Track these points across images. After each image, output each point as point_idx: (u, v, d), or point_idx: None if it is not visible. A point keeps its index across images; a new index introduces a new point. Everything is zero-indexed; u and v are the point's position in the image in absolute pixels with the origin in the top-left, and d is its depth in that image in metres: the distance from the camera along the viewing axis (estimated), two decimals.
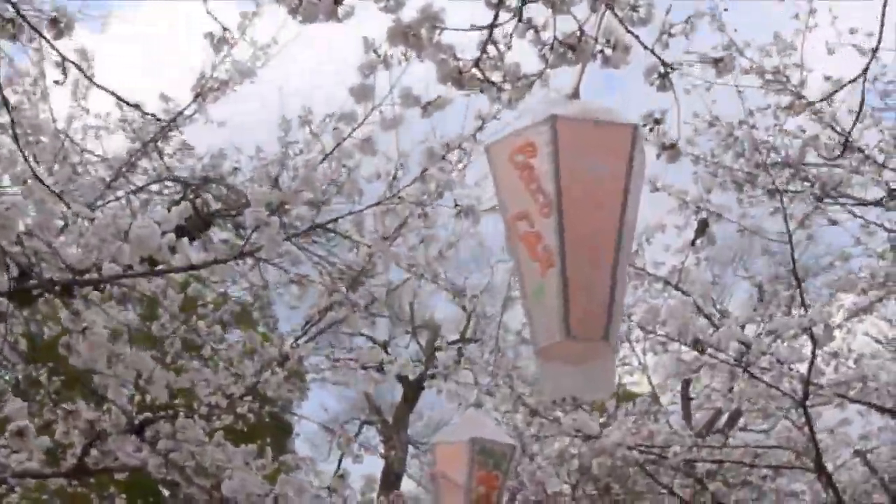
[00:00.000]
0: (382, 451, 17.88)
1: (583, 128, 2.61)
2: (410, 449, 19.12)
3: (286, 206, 3.47)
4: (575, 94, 2.70)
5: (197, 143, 6.88)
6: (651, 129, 2.60)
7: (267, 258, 3.75)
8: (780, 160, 6.20)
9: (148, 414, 3.81)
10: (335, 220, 3.81)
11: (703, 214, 5.81)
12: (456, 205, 3.84)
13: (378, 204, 3.70)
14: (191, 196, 5.25)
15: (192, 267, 3.78)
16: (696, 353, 5.33)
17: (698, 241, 5.73)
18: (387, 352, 5.72)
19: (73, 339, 3.56)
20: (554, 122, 2.56)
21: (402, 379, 18.75)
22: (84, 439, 4.36)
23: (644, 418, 6.58)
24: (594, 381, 2.69)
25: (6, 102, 4.53)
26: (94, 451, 4.79)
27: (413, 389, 19.11)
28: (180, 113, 6.30)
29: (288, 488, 3.70)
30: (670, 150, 2.66)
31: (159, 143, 6.53)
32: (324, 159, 3.37)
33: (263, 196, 3.43)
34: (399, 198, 3.66)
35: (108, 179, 5.93)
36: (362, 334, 11.11)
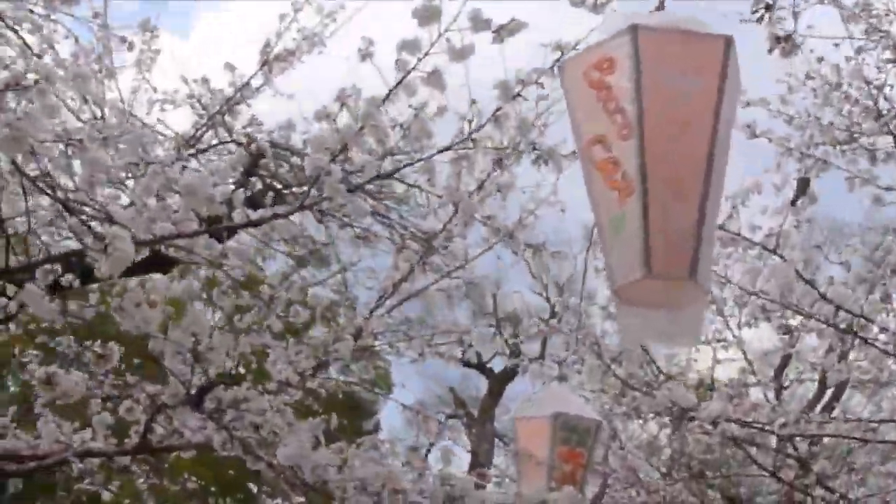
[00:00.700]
0: (469, 444, 17.71)
1: (668, 39, 2.30)
2: (497, 442, 18.95)
3: (348, 152, 3.19)
4: (660, 6, 2.38)
5: (265, 119, 6.69)
6: (760, 19, 2.24)
7: (330, 210, 3.50)
8: (890, 108, 5.76)
9: (205, 380, 3.55)
10: (402, 167, 3.51)
11: (807, 164, 5.41)
12: (534, 148, 3.52)
13: (448, 149, 3.38)
14: (244, 143, 5.01)
15: (251, 223, 3.54)
16: (801, 317, 4.96)
17: (799, 201, 5.32)
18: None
19: (124, 302, 3.34)
20: (635, 33, 2.26)
21: (486, 371, 18.63)
22: (146, 415, 4.15)
23: (743, 391, 6.19)
24: (678, 325, 2.37)
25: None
26: (159, 430, 4.61)
27: (498, 382, 18.96)
28: (246, 83, 6.11)
29: (357, 460, 3.43)
30: (785, 43, 2.29)
31: (227, 118, 6.35)
32: (388, 95, 3.07)
33: (323, 140, 3.16)
34: (472, 141, 3.34)
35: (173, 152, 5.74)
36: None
